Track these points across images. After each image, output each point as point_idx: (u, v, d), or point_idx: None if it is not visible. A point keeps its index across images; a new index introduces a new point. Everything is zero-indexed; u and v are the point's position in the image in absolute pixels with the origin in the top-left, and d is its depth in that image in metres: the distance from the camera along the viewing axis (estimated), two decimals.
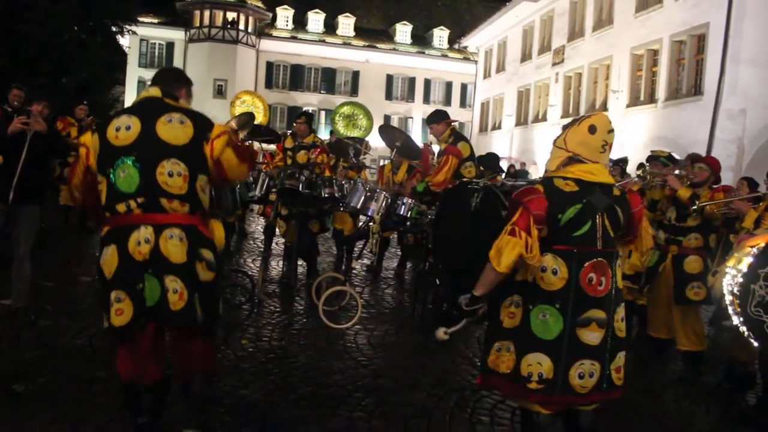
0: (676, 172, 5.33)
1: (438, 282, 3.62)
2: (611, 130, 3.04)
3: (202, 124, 3.11)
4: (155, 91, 3.15)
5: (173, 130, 3.02)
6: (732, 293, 3.86)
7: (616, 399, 3.10)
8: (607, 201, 2.94)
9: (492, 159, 9.31)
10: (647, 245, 3.27)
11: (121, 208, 2.97)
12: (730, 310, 3.90)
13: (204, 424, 3.27)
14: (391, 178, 8.34)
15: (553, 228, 2.90)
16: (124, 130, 3.01)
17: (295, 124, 7.67)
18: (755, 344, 3.88)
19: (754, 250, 3.82)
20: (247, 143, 7.07)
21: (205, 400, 3.35)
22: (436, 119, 6.45)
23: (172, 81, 3.28)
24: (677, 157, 6.51)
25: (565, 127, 3.13)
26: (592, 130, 2.99)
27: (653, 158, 6.31)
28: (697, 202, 4.97)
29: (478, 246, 3.08)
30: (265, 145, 9.80)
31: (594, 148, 2.99)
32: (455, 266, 4.02)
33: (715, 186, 5.24)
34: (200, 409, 3.29)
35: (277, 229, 7.71)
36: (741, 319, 3.81)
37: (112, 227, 3.00)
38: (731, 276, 3.89)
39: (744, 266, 3.81)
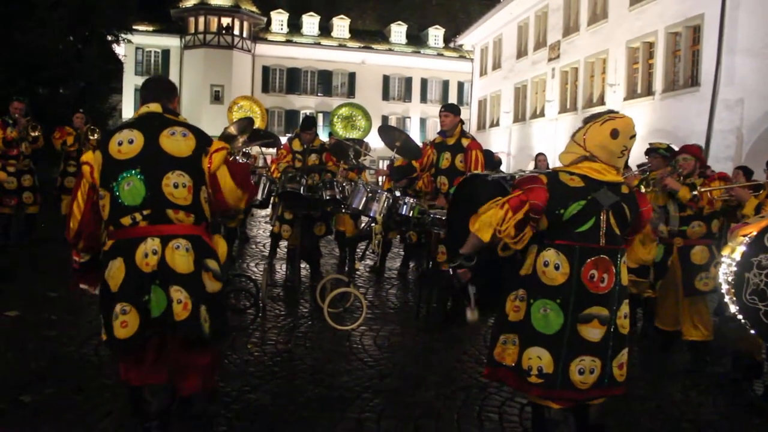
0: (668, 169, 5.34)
1: (451, 273, 3.62)
2: (633, 135, 2.96)
3: (203, 138, 3.13)
4: (156, 107, 3.16)
5: (176, 142, 3.03)
6: (727, 282, 3.87)
7: (617, 395, 3.10)
8: (613, 198, 2.91)
9: (487, 156, 9.32)
10: (651, 238, 3.27)
11: (126, 221, 2.96)
12: (726, 298, 3.91)
13: None
14: None
15: (556, 222, 2.90)
16: (127, 143, 3.01)
17: (307, 134, 7.68)
18: (752, 332, 3.89)
19: (746, 238, 3.83)
20: (247, 151, 7.06)
21: (207, 419, 3.32)
22: (456, 111, 6.47)
23: (168, 94, 3.28)
24: (676, 148, 6.51)
25: (587, 121, 3.04)
26: (614, 134, 2.91)
27: (652, 150, 6.31)
28: (698, 188, 4.99)
29: None
30: (264, 149, 9.80)
31: (613, 153, 2.93)
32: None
33: (709, 174, 5.26)
34: (206, 426, 3.27)
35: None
36: (737, 307, 3.82)
37: (117, 241, 3.00)
38: (726, 265, 3.91)
39: (737, 255, 3.82)
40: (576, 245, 2.89)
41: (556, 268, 2.89)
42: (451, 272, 3.20)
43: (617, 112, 3.08)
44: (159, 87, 3.32)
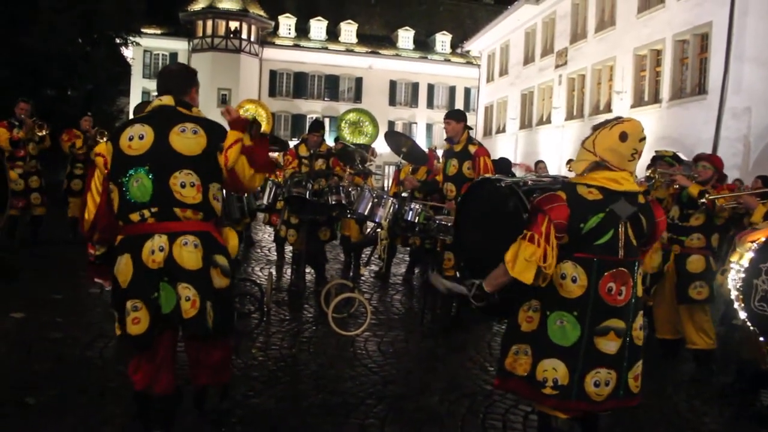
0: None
1: (458, 276, 3.57)
2: (643, 138, 2.95)
3: (215, 134, 3.09)
4: (168, 100, 3.13)
5: (186, 140, 3.01)
6: (736, 289, 3.85)
7: (632, 406, 3.08)
8: (631, 209, 2.88)
9: (504, 164, 9.28)
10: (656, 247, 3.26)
11: (134, 217, 2.97)
12: (735, 305, 3.89)
13: None
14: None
15: (575, 236, 2.86)
16: (137, 139, 3.00)
17: (314, 137, 7.67)
18: (761, 339, 3.87)
19: (755, 245, 3.82)
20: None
21: (220, 414, 3.34)
22: (459, 118, 6.42)
23: (183, 84, 3.22)
24: (682, 156, 6.48)
25: (596, 128, 3.02)
26: (623, 137, 2.89)
27: (658, 158, 6.28)
28: (706, 195, 4.95)
29: (498, 244, 3.06)
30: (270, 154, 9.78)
31: (623, 157, 2.90)
32: (475, 262, 3.98)
33: (719, 184, 5.24)
34: (215, 423, 3.29)
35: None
36: (746, 314, 3.80)
37: (126, 236, 3.01)
38: (734, 272, 3.89)
39: (745, 261, 3.81)
40: (594, 258, 2.86)
41: (574, 280, 2.86)
42: (471, 296, 3.12)
43: (625, 117, 3.07)
44: (173, 78, 3.25)
